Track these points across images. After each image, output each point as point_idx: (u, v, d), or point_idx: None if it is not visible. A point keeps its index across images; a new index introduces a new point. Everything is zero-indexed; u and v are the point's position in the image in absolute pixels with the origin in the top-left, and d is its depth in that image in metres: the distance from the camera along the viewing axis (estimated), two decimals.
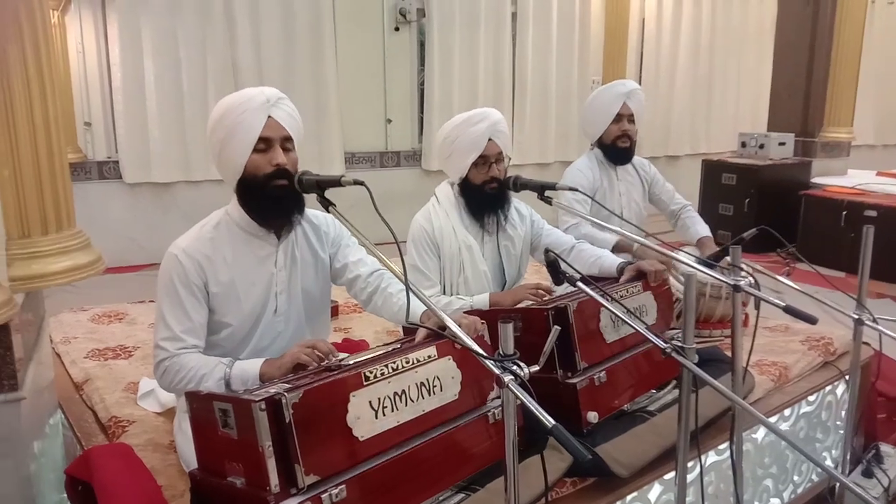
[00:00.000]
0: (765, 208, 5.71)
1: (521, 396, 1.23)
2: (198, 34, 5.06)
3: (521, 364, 1.28)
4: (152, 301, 3.17)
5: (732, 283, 1.92)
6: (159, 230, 4.91)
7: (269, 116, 1.79)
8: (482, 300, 2.42)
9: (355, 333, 3.02)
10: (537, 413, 1.18)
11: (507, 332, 1.30)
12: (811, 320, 1.80)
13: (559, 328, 1.39)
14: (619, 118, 3.11)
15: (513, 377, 1.26)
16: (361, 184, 1.64)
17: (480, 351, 1.35)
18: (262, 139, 1.78)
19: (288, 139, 1.83)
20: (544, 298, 2.37)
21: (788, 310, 1.81)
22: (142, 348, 2.77)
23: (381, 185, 5.69)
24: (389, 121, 6.05)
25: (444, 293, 2.49)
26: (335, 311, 3.27)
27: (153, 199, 5.19)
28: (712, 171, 6.13)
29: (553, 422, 1.17)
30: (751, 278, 1.96)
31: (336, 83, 5.61)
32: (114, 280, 4.55)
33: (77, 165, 4.90)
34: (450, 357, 1.69)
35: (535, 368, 1.31)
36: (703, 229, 3.28)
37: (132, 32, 4.87)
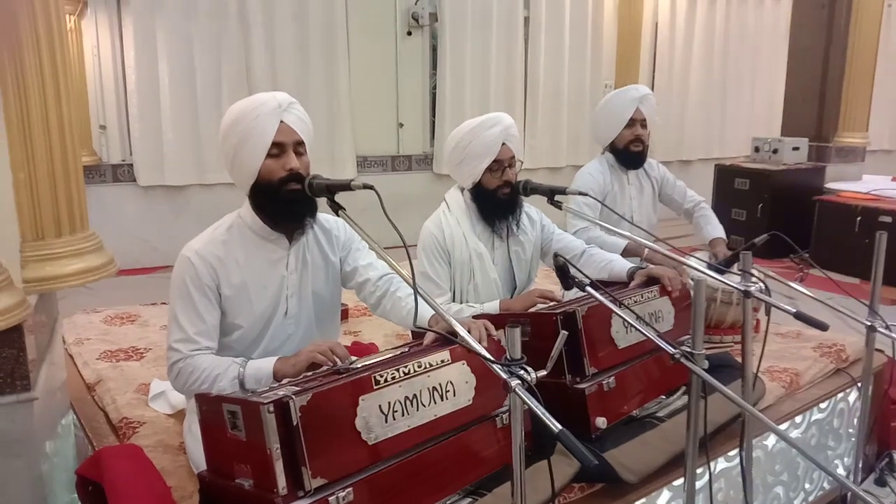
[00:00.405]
0: (778, 214, 5.67)
1: (527, 401, 1.23)
2: (212, 38, 5.11)
3: (528, 368, 1.28)
4: (164, 303, 3.19)
5: (743, 288, 1.91)
6: (173, 233, 4.95)
7: (282, 121, 1.80)
8: (492, 307, 2.41)
9: (365, 337, 3.03)
10: (543, 417, 1.18)
11: (514, 336, 1.30)
12: (822, 327, 1.79)
13: (566, 333, 1.39)
14: (632, 123, 3.11)
15: (519, 382, 1.26)
16: (371, 188, 1.64)
17: (487, 354, 1.35)
18: (275, 144, 1.79)
19: (300, 143, 1.85)
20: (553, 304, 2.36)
21: (799, 316, 1.80)
22: (154, 350, 2.79)
23: (393, 188, 5.70)
24: (401, 125, 6.07)
25: (454, 300, 2.48)
26: (345, 315, 3.28)
27: (167, 202, 5.23)
28: (725, 175, 6.10)
29: (559, 426, 1.17)
30: (761, 284, 1.95)
31: (349, 87, 5.64)
32: (127, 282, 4.60)
33: (91, 168, 4.96)
34: (464, 362, 1.69)
35: (543, 373, 1.30)
36: (715, 230, 3.24)
37: (147, 36, 4.93)
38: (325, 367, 1.67)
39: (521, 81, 6.39)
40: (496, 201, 2.44)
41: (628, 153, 3.15)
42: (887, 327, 2.13)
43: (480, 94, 6.17)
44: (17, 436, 1.69)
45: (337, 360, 1.67)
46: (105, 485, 1.69)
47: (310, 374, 1.68)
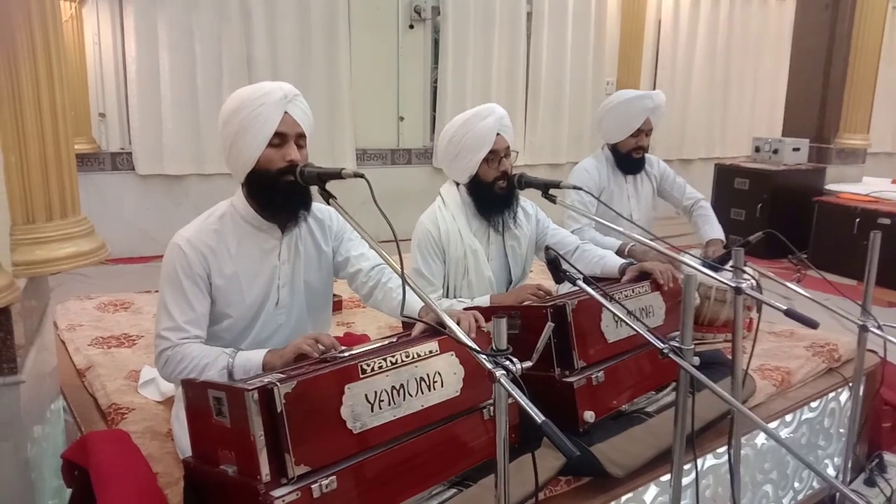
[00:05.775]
0: (777, 214, 5.67)
1: (511, 391, 1.22)
2: (213, 29, 5.10)
3: (514, 359, 1.28)
4: (158, 291, 3.19)
5: (734, 285, 1.91)
6: (171, 222, 4.85)
7: (286, 112, 1.80)
8: (483, 301, 2.40)
9: (358, 328, 3.03)
10: (527, 408, 1.18)
11: (501, 326, 1.30)
12: (812, 324, 1.79)
13: (553, 325, 1.39)
14: (638, 132, 3.10)
15: (504, 372, 1.26)
16: (362, 176, 1.64)
17: (472, 345, 1.34)
18: (277, 134, 1.79)
19: (301, 136, 1.84)
20: (545, 298, 2.36)
21: (789, 313, 1.79)
22: (145, 337, 2.79)
23: (393, 182, 5.70)
24: (402, 118, 6.06)
25: (447, 296, 2.47)
26: (339, 306, 3.28)
27: (165, 192, 5.23)
28: (725, 175, 6.10)
29: (542, 417, 1.16)
30: (753, 281, 1.94)
31: (349, 79, 5.63)
32: (124, 270, 4.62)
33: (91, 156, 4.95)
34: (452, 353, 1.68)
35: (528, 364, 1.30)
36: (713, 230, 3.21)
37: (148, 25, 4.92)
38: (313, 358, 1.66)
39: (522, 77, 6.39)
40: (494, 194, 2.43)
41: (629, 159, 3.15)
42: (879, 327, 2.12)
43: (482, 88, 6.16)
44: (3, 418, 1.69)
45: (323, 348, 1.67)
46: (90, 469, 1.69)
47: (299, 364, 1.67)
